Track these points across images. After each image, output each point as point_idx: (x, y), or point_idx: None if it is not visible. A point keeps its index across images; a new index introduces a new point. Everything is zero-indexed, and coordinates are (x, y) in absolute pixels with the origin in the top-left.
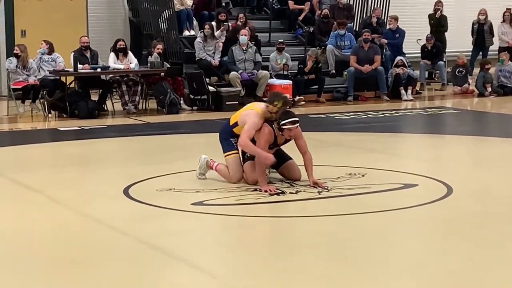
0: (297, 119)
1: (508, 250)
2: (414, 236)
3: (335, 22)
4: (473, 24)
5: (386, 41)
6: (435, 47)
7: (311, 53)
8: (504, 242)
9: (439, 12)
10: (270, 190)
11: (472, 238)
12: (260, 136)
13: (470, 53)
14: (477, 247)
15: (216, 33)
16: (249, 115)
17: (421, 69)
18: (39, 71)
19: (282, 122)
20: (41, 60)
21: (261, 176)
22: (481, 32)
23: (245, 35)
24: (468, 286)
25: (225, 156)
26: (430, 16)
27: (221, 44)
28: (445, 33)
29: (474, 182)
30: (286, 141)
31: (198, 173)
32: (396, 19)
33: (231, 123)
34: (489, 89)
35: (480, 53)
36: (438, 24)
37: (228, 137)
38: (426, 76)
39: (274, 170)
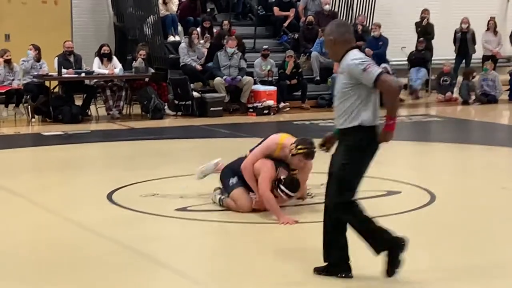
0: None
1: (489, 258)
2: None
3: (320, 29)
4: (455, 32)
5: (371, 52)
6: (424, 50)
7: (289, 53)
8: (485, 250)
9: (425, 20)
10: (289, 223)
11: (453, 246)
12: (264, 172)
13: (454, 61)
14: (458, 255)
15: (201, 41)
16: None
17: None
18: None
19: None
20: (32, 67)
21: (276, 210)
22: (464, 41)
23: (231, 47)
24: None
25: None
26: (417, 24)
27: (205, 50)
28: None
29: (457, 190)
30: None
31: (199, 172)
32: (379, 26)
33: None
34: (473, 97)
35: (463, 61)
36: (425, 32)
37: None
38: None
39: None
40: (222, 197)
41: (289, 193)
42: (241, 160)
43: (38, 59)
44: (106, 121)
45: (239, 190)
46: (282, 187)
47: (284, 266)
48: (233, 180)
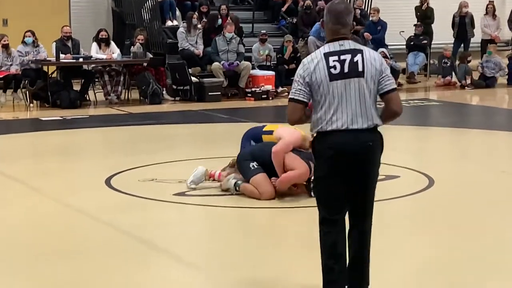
0: None
1: (487, 241)
2: (395, 227)
3: (318, 14)
4: (454, 16)
5: (370, 36)
6: (422, 35)
7: (288, 38)
8: (484, 233)
9: (425, 4)
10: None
11: (451, 230)
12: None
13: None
14: (456, 238)
15: (199, 25)
16: (292, 134)
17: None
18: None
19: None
20: (27, 53)
21: (280, 168)
22: (463, 25)
23: (230, 32)
24: (446, 275)
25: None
26: (416, 8)
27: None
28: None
29: (456, 174)
30: None
31: (190, 181)
32: (378, 11)
33: (265, 129)
34: (468, 81)
35: (462, 45)
36: (424, 16)
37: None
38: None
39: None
40: (239, 181)
41: (312, 195)
42: (258, 146)
43: (35, 44)
44: (104, 106)
45: (261, 176)
46: (311, 188)
47: (287, 251)
48: (254, 164)
